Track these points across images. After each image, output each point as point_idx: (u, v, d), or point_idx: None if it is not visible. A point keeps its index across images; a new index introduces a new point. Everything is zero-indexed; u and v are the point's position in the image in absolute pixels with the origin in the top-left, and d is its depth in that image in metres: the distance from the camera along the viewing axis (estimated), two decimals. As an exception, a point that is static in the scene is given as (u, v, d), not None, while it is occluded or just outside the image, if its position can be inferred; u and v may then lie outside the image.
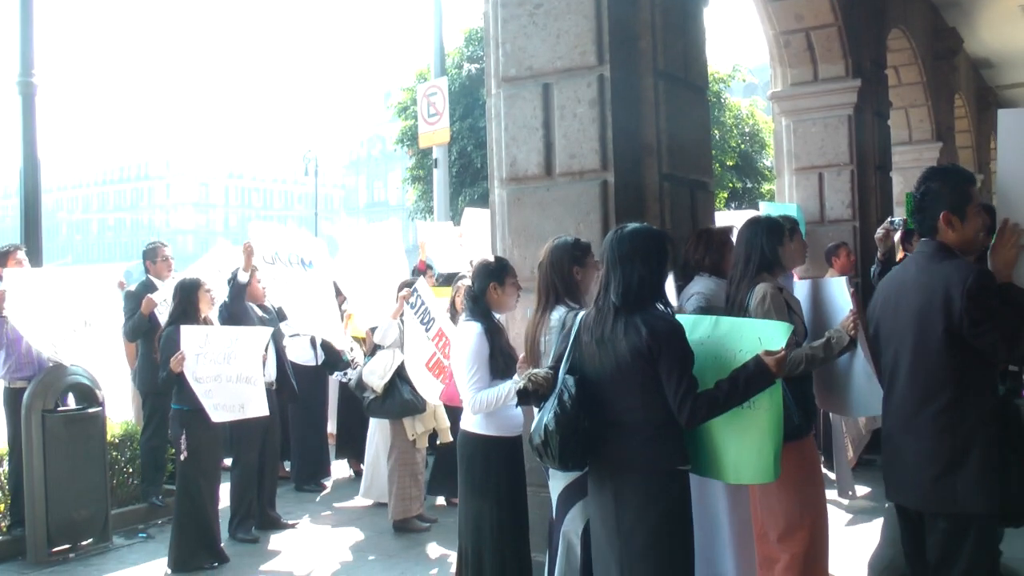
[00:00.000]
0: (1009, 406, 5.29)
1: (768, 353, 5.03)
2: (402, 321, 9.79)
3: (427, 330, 9.08)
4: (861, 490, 10.10)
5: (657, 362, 5.06)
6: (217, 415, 8.98)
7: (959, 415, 5.05)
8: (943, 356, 5.08)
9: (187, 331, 9.00)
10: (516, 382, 5.96)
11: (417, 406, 10.00)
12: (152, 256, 11.84)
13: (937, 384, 5.10)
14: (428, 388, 9.21)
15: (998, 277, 5.20)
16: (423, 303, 9.14)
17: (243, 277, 10.23)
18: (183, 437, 9.07)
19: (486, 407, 6.55)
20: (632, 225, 5.44)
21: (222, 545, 9.46)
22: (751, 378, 5.01)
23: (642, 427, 5.17)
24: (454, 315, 9.56)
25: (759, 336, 5.21)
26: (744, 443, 5.32)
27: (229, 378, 9.14)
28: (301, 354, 12.14)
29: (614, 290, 5.22)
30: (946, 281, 5.07)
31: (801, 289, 7.37)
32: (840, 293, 6.83)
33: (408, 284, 10.27)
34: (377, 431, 11.13)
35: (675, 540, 5.18)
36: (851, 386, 6.66)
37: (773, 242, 6.59)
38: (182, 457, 9.11)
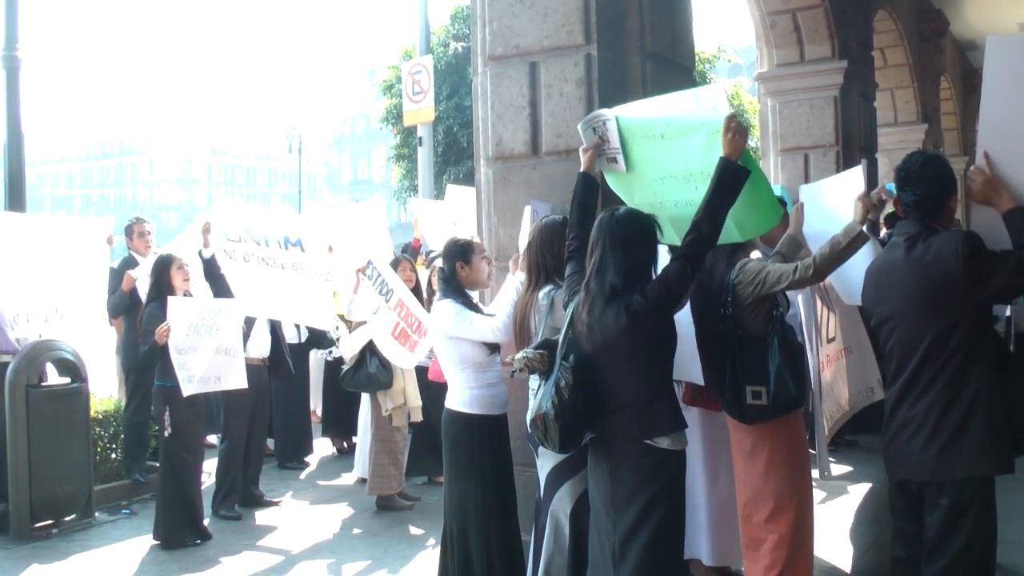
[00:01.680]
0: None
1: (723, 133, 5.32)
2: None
3: (387, 300, 9.08)
4: (837, 469, 10.15)
5: (653, 316, 5.19)
6: (189, 388, 8.92)
7: (964, 383, 5.13)
8: (951, 330, 5.16)
9: (173, 302, 8.96)
10: (513, 359, 5.98)
11: (381, 380, 10.07)
12: (130, 233, 11.84)
13: (945, 358, 5.18)
14: (398, 356, 9.19)
15: (998, 207, 5.26)
16: (379, 275, 9.13)
17: (207, 253, 10.13)
18: (166, 414, 9.04)
19: (508, 324, 6.56)
20: (625, 207, 5.55)
21: (205, 522, 9.46)
22: (725, 179, 5.30)
23: (632, 402, 5.23)
24: (431, 295, 9.60)
25: (713, 105, 5.51)
26: (741, 205, 5.50)
27: (209, 349, 9.11)
28: (284, 331, 12.07)
29: (614, 272, 5.25)
30: (940, 256, 5.14)
31: (813, 190, 7.46)
32: (856, 179, 6.90)
33: (395, 263, 10.28)
34: (365, 408, 11.15)
35: (667, 518, 5.23)
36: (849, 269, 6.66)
37: None
38: (166, 434, 9.09)
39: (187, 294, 9.47)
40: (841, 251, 6.04)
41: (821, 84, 13.47)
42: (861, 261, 6.12)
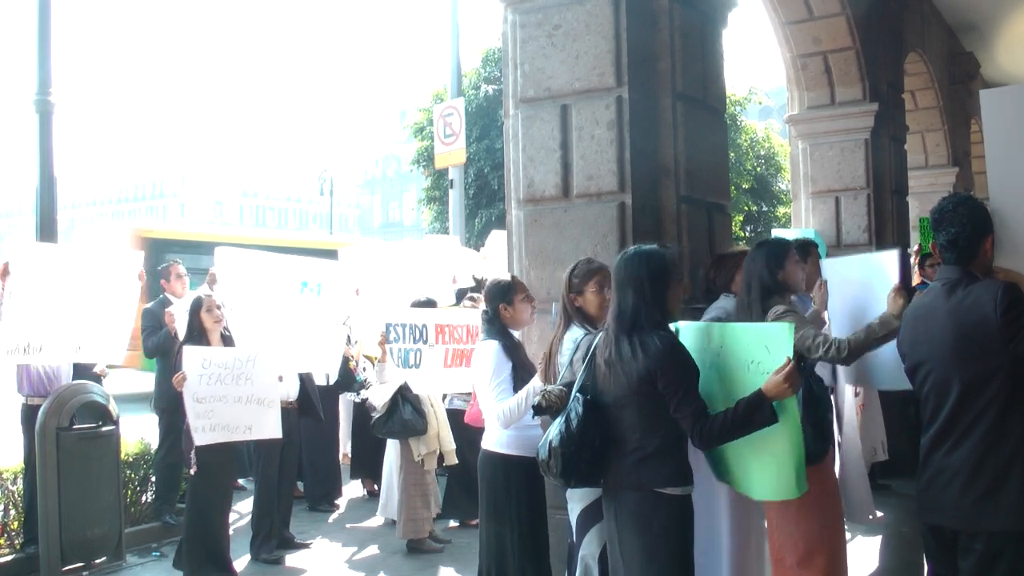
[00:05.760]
0: None
1: (777, 371, 5.03)
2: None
3: (425, 341, 9.05)
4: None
5: (657, 383, 5.09)
6: (204, 437, 8.81)
7: (1003, 434, 5.05)
8: (987, 379, 5.08)
9: (188, 351, 8.92)
10: (534, 390, 5.99)
11: (416, 427, 10.07)
12: (166, 275, 11.87)
13: (982, 406, 5.09)
14: (461, 381, 9.15)
15: None
16: (403, 325, 9.09)
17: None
18: (193, 452, 9.00)
19: (510, 416, 6.56)
20: (634, 248, 5.50)
21: (242, 564, 9.46)
22: (749, 412, 5.02)
23: (638, 448, 5.20)
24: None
25: (765, 344, 5.21)
26: (763, 460, 5.32)
27: (238, 399, 9.04)
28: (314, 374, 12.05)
29: (611, 314, 5.34)
30: (978, 304, 5.09)
31: (838, 267, 7.42)
32: (890, 266, 6.86)
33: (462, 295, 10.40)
34: (392, 450, 11.13)
35: (670, 562, 5.19)
36: (879, 356, 6.61)
37: (772, 267, 6.53)
38: (192, 472, 9.06)
39: (225, 332, 9.48)
40: (876, 340, 6.10)
41: (852, 127, 13.44)
42: (890, 349, 6.10)
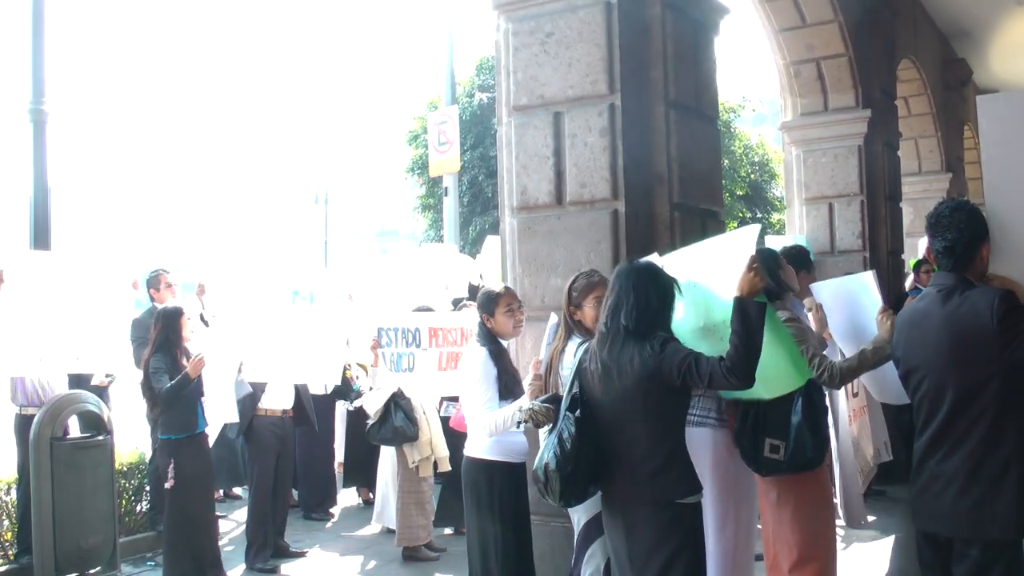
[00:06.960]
0: None
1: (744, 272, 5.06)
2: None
3: (418, 345, 9.05)
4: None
5: (663, 377, 5.04)
6: (216, 421, 8.97)
7: (998, 440, 5.04)
8: (982, 385, 5.06)
9: (203, 337, 8.96)
10: (520, 411, 5.99)
11: (407, 434, 10.01)
12: (155, 284, 11.79)
13: (977, 412, 5.07)
14: (453, 385, 9.14)
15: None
16: (395, 329, 9.09)
17: (206, 316, 10.07)
18: (171, 466, 9.00)
19: (495, 429, 6.57)
20: (641, 260, 5.51)
21: (237, 573, 9.50)
22: (743, 318, 4.95)
23: (648, 458, 5.16)
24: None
25: (732, 252, 5.31)
26: (763, 364, 5.28)
27: (212, 386, 9.26)
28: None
29: (626, 314, 5.20)
30: (974, 311, 5.07)
31: (825, 289, 7.42)
32: (869, 287, 6.88)
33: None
34: (387, 458, 11.11)
35: (687, 571, 5.13)
36: (885, 371, 6.62)
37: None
38: (168, 486, 9.03)
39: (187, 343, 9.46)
40: (869, 365, 6.14)
41: (845, 133, 13.45)
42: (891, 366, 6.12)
